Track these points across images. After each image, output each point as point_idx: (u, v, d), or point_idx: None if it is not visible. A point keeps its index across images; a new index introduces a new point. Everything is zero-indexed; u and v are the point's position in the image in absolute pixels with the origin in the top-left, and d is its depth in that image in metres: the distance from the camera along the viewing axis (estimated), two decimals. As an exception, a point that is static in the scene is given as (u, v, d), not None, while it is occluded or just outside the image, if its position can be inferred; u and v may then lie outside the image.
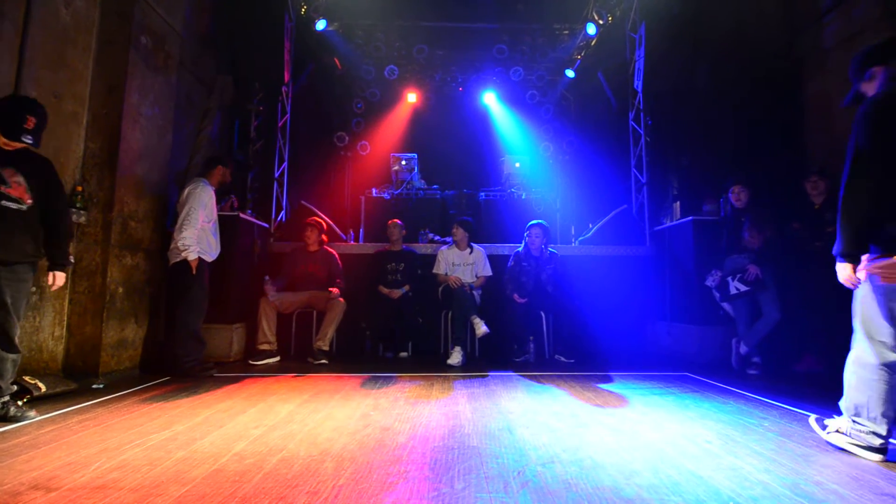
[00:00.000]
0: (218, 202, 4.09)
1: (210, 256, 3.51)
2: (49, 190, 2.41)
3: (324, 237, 4.38)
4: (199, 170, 3.67)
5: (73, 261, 2.55)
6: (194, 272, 3.32)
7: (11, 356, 2.27)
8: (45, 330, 2.92)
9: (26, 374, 2.65)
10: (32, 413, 2.27)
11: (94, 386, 2.93)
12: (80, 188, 3.10)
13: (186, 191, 3.40)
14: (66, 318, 3.07)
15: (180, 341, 3.30)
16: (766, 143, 4.53)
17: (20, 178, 2.28)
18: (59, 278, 2.45)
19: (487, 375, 3.36)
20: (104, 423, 2.18)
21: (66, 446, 1.85)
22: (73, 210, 3.03)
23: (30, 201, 2.31)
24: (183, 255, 3.30)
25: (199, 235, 3.38)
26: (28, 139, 2.29)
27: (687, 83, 5.28)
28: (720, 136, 4.91)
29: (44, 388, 2.58)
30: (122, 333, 3.29)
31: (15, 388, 2.47)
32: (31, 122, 2.29)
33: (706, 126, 5.05)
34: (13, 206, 2.24)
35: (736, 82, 4.81)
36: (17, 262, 2.28)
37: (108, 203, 3.21)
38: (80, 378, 2.95)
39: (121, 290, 3.27)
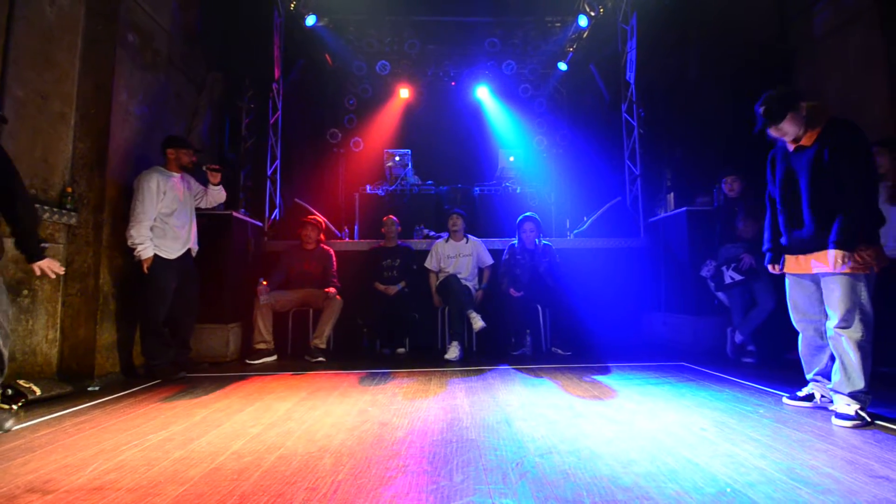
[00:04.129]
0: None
1: (173, 252, 3.27)
2: (7, 180, 2.14)
3: (322, 236, 4.36)
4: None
5: (45, 246, 2.27)
6: (145, 271, 3.15)
7: None
8: (39, 333, 2.89)
9: (20, 378, 2.62)
10: (9, 423, 2.08)
11: (90, 388, 2.91)
12: (69, 189, 3.06)
13: (133, 184, 3.21)
14: (59, 321, 3.04)
15: (142, 343, 3.23)
16: (759, 133, 4.54)
17: None
18: (44, 267, 2.24)
19: (485, 369, 3.37)
20: (100, 424, 2.16)
21: (62, 449, 1.84)
22: (64, 211, 3.00)
23: None
24: (136, 253, 3.13)
25: (155, 229, 3.19)
26: None
27: (679, 74, 5.29)
28: (713, 127, 4.92)
29: (38, 392, 2.56)
30: (116, 335, 3.26)
31: (9, 391, 2.44)
32: None
33: (699, 117, 5.06)
34: None
35: (728, 72, 4.82)
36: None
37: (98, 204, 3.17)
38: (75, 381, 2.93)
39: (114, 291, 3.24)
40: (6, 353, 2.13)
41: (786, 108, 2.15)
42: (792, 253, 2.32)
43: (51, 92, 2.98)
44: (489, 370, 3.34)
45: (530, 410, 2.29)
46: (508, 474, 1.53)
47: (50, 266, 2.27)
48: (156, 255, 3.20)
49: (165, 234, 3.26)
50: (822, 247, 2.14)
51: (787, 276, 2.39)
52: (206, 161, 3.96)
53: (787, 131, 2.20)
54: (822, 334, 2.26)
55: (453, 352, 3.78)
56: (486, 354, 4.01)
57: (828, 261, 2.09)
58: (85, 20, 3.22)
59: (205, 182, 3.66)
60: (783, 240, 2.36)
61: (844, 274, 2.06)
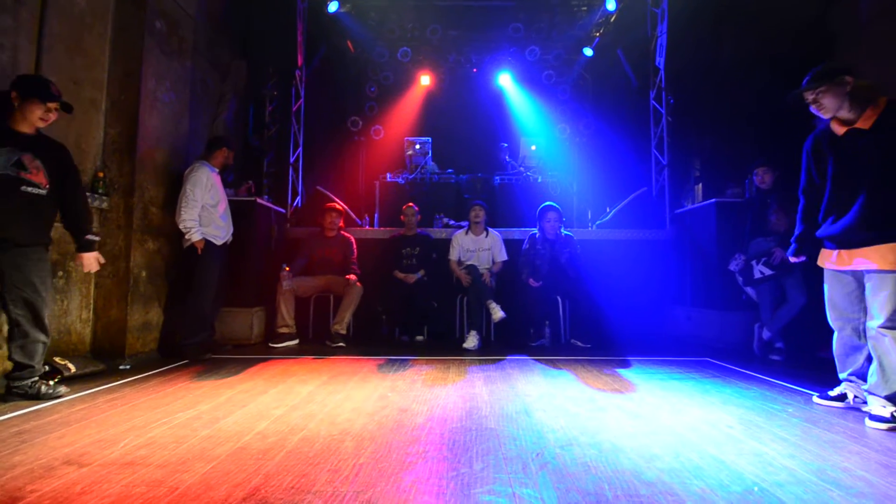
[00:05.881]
0: (235, 186, 4.13)
1: (219, 239, 3.49)
2: (67, 175, 2.45)
3: (342, 223, 4.40)
4: (203, 151, 3.64)
5: (97, 240, 2.63)
6: (199, 252, 3.35)
7: (42, 338, 2.34)
8: (73, 313, 3.01)
9: (56, 356, 2.74)
10: (62, 389, 2.36)
11: (121, 367, 3.02)
12: (101, 174, 3.15)
13: (185, 174, 3.41)
14: (92, 302, 3.15)
15: (184, 321, 3.39)
16: (795, 122, 4.34)
17: (38, 163, 2.32)
18: (86, 259, 2.50)
19: (503, 359, 3.36)
20: (131, 402, 2.24)
21: (95, 424, 1.91)
22: (96, 195, 3.09)
23: (48, 186, 2.35)
24: (187, 237, 3.32)
25: (202, 217, 3.38)
26: (62, 102, 2.35)
27: (712, 60, 5.09)
28: (745, 116, 4.73)
29: (73, 369, 2.67)
30: (146, 316, 3.37)
31: (46, 368, 2.56)
32: (55, 89, 2.35)
33: (731, 105, 4.87)
34: (33, 190, 2.29)
35: (763, 58, 4.61)
36: (35, 244, 2.34)
37: (128, 189, 3.25)
38: (108, 359, 3.05)
39: (144, 274, 3.34)
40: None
41: (826, 78, 2.04)
42: (834, 247, 2.18)
43: (83, 78, 3.05)
44: (508, 360, 3.33)
45: (549, 401, 2.28)
46: (529, 465, 1.53)
47: (89, 263, 2.54)
48: (207, 241, 3.39)
49: (210, 223, 3.44)
50: (870, 241, 2.01)
51: (825, 271, 2.26)
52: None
53: (825, 105, 2.08)
54: (859, 334, 2.15)
55: (472, 341, 3.78)
56: (505, 344, 3.99)
57: (886, 258, 1.95)
58: (114, 7, 3.28)
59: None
60: (823, 232, 2.21)
61: (894, 272, 1.94)
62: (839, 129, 2.12)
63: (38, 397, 2.27)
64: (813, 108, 2.14)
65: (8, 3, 2.55)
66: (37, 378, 2.32)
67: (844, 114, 2.08)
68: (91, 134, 3.14)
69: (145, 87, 3.32)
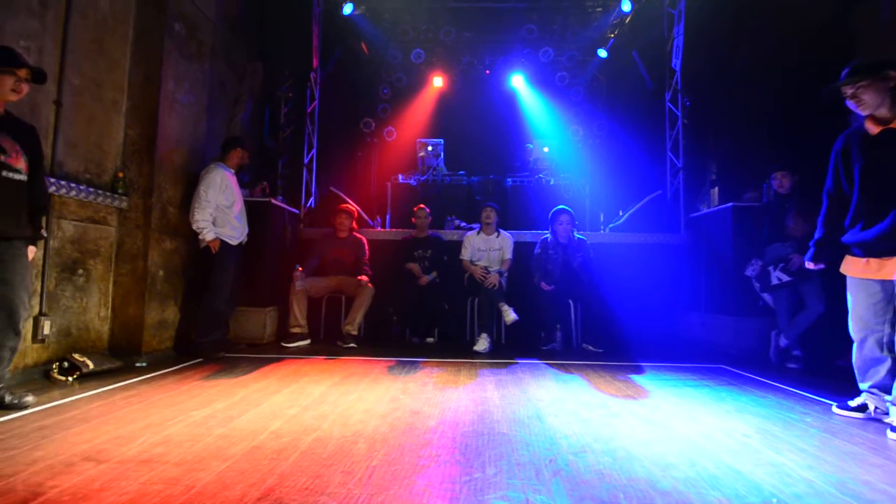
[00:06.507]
0: (250, 186, 4.18)
1: (233, 240, 3.53)
2: (37, 159, 2.20)
3: (354, 224, 4.43)
4: (219, 152, 3.69)
5: (45, 234, 2.34)
6: (214, 252, 3.39)
7: (11, 343, 2.09)
8: (92, 310, 3.07)
9: (76, 352, 2.80)
10: (29, 399, 2.11)
11: (138, 364, 3.07)
12: (121, 174, 3.21)
13: (200, 175, 3.46)
14: (110, 300, 3.21)
15: (199, 320, 3.43)
16: (815, 125, 4.27)
17: (18, 146, 2.07)
18: (31, 252, 2.21)
19: (514, 363, 3.35)
20: (148, 399, 2.28)
21: (113, 421, 1.95)
22: (116, 195, 3.15)
23: (27, 172, 2.11)
24: (201, 237, 3.38)
25: (217, 217, 3.43)
26: (34, 68, 2.10)
27: (729, 61, 5.02)
28: (763, 118, 4.65)
29: (91, 366, 2.72)
30: (162, 315, 3.42)
31: (60, 364, 2.62)
32: (22, 56, 2.11)
33: (749, 107, 4.79)
34: (15, 176, 2.04)
35: (781, 59, 4.53)
36: (18, 237, 2.10)
37: (147, 189, 3.31)
38: (125, 356, 3.10)
39: (161, 273, 3.39)
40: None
41: (869, 72, 1.94)
42: (862, 254, 2.09)
43: (104, 80, 3.11)
44: (519, 364, 3.32)
45: (562, 406, 2.26)
46: (542, 471, 1.52)
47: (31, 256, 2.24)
48: (222, 241, 3.44)
49: (226, 224, 3.50)
50: None
51: (849, 279, 2.18)
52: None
53: (864, 101, 1.97)
54: (882, 346, 2.08)
55: (482, 343, 3.77)
56: (516, 348, 3.98)
57: None
58: (136, 10, 3.34)
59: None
60: (850, 238, 2.11)
61: None
62: (874, 129, 2.02)
63: (1, 406, 2.03)
64: (850, 104, 2.03)
65: (35, 7, 2.62)
66: (2, 386, 2.07)
67: (883, 112, 1.98)
68: (111, 135, 3.20)
69: (165, 89, 3.38)
